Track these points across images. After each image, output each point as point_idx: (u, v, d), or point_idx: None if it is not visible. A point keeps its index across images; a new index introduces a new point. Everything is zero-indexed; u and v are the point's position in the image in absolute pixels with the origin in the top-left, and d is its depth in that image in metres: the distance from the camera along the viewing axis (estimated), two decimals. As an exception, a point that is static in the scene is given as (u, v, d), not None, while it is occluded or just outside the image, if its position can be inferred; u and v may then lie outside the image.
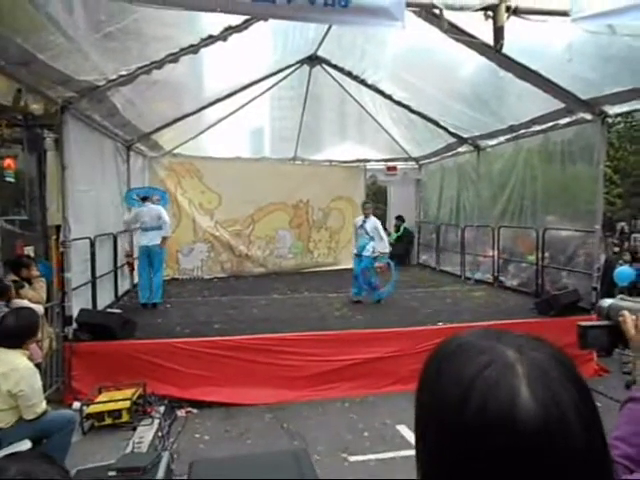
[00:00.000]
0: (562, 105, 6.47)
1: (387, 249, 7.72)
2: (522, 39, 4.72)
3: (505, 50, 4.38)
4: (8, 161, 9.66)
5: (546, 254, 7.65)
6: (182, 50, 5.30)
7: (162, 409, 5.02)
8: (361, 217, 7.77)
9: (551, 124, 7.13)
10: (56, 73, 4.57)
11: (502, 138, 8.43)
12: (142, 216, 7.37)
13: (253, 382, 5.43)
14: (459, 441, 0.55)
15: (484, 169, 9.28)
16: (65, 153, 5.53)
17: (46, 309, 5.38)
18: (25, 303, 4.73)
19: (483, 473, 0.54)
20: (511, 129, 7.89)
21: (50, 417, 3.56)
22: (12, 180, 9.83)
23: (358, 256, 7.64)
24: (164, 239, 7.44)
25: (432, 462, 0.59)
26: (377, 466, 4.00)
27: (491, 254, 9.01)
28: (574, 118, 6.67)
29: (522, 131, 7.77)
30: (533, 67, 5.70)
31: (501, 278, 8.84)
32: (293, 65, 8.01)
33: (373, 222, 7.57)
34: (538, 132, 7.52)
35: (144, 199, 7.60)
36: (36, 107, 5.17)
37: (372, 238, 7.47)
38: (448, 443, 0.57)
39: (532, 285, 7.90)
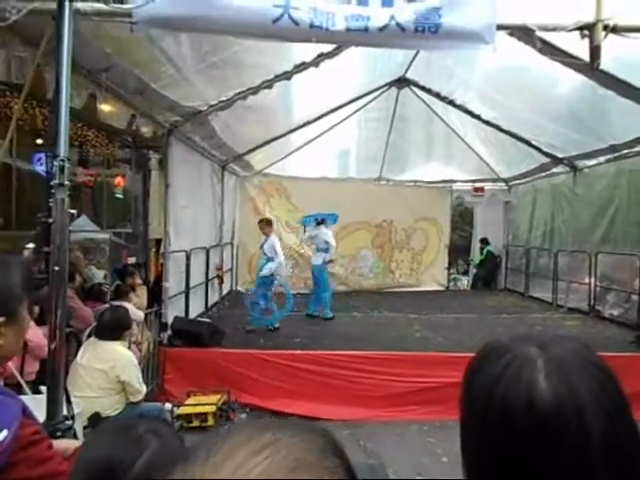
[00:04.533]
0: (671, 123, 6.00)
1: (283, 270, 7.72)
2: (624, 55, 4.49)
3: (605, 67, 4.18)
4: (118, 179, 10.70)
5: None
6: (276, 77, 5.63)
7: (244, 416, 5.24)
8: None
9: (658, 144, 6.62)
10: (165, 100, 5.06)
11: (602, 158, 7.92)
12: (314, 238, 8.26)
13: (331, 397, 5.50)
14: (486, 432, 0.62)
15: (582, 191, 8.75)
16: (169, 172, 6.04)
17: (146, 315, 5.87)
18: (130, 307, 5.20)
19: (508, 460, 0.60)
20: (612, 149, 7.40)
21: (146, 408, 3.93)
22: (121, 196, 10.86)
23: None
24: (330, 261, 8.24)
25: (471, 460, 0.66)
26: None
27: (587, 281, 8.43)
28: (685, 137, 6.15)
29: (625, 151, 7.27)
30: (637, 84, 5.36)
31: (598, 307, 8.22)
32: (381, 87, 8.14)
33: (271, 241, 7.32)
34: (643, 152, 7.00)
35: (319, 223, 8.27)
36: (145, 130, 5.69)
37: (270, 259, 7.23)
38: (478, 436, 0.63)
39: (634, 317, 7.28)
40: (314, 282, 8.20)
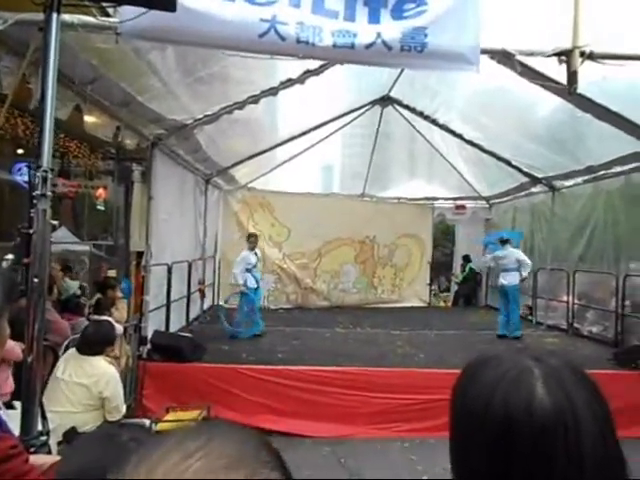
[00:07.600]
0: (646, 146, 6.18)
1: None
2: (601, 80, 4.64)
3: (583, 91, 4.32)
4: (100, 191, 10.58)
5: (627, 302, 7.17)
6: (263, 92, 5.68)
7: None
8: (247, 252, 7.78)
9: (634, 165, 6.80)
10: (151, 113, 5.06)
11: (579, 179, 8.11)
12: (501, 258, 8.11)
13: (313, 414, 5.45)
14: (484, 436, 0.63)
15: (560, 210, 8.95)
16: (152, 185, 6.00)
17: (125, 328, 5.76)
18: (112, 321, 5.11)
19: (505, 460, 0.61)
20: (589, 170, 7.60)
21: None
22: (102, 208, 10.74)
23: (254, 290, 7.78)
24: (524, 278, 8.13)
25: (461, 460, 0.68)
26: (436, 512, 3.87)
27: (565, 299, 8.57)
28: (660, 159, 6.34)
29: (602, 172, 7.46)
30: (614, 108, 5.53)
31: (576, 325, 8.35)
32: (366, 105, 8.26)
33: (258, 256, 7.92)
34: (619, 173, 7.19)
35: (504, 242, 8.18)
36: (129, 142, 5.67)
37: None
38: (474, 440, 0.65)
39: (612, 334, 7.40)
40: (505, 302, 8.01)
